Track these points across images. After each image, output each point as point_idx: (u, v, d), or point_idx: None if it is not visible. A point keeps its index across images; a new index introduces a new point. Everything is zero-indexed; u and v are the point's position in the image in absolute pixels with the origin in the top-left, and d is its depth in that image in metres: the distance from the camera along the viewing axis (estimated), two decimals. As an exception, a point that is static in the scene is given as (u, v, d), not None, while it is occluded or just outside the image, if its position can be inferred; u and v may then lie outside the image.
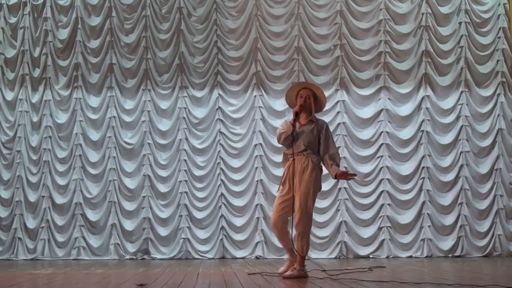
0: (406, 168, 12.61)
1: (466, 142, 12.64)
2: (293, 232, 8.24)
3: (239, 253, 12.29)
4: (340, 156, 9.08)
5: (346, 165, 12.48)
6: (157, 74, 12.82)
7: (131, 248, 12.45)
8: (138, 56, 12.84)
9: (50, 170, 12.65)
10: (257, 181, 12.52)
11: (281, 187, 8.39)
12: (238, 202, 12.49)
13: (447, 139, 12.67)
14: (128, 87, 12.82)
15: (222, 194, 12.55)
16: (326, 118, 12.51)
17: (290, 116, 8.52)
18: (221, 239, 12.35)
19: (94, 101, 12.83)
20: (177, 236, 12.46)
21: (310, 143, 8.24)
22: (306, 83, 8.82)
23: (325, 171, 8.41)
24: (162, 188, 12.60)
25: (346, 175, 8.37)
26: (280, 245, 12.17)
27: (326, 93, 12.49)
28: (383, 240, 12.38)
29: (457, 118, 12.71)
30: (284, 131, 8.21)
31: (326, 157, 8.27)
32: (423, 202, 12.49)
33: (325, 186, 12.41)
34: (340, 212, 12.45)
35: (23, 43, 12.89)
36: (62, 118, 12.80)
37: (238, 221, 12.46)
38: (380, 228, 12.43)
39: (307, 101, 8.32)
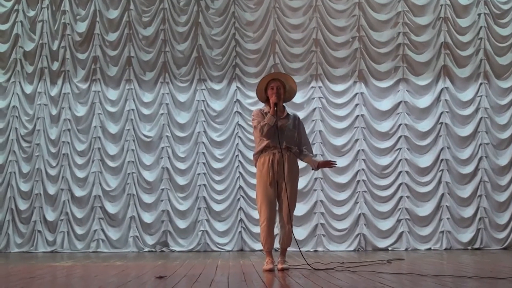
0: (425, 161, 12.56)
1: (486, 134, 12.58)
2: (284, 227, 8.29)
3: (257, 246, 12.28)
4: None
5: (364, 157, 12.48)
6: (175, 67, 12.84)
7: (150, 240, 12.48)
8: (156, 49, 12.86)
9: (69, 163, 12.70)
10: (276, 173, 12.51)
11: (263, 179, 8.21)
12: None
13: (466, 131, 12.61)
14: (146, 80, 12.85)
15: (240, 186, 12.55)
16: (345, 111, 12.59)
17: (264, 107, 8.41)
18: (240, 231, 12.36)
19: (112, 94, 12.86)
20: (196, 228, 12.48)
21: (291, 137, 8.23)
22: (274, 74, 8.69)
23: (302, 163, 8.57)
24: (181, 180, 12.62)
25: (327, 164, 8.39)
26: (299, 237, 12.22)
27: (345, 85, 12.64)
28: (402, 232, 12.34)
29: (476, 110, 12.65)
30: (266, 122, 8.09)
31: (303, 150, 8.32)
32: (442, 195, 12.44)
33: (343, 179, 12.46)
34: (358, 205, 12.43)
35: (42, 37, 12.94)
36: (81, 111, 12.84)
37: (257, 214, 12.37)
38: (399, 221, 12.40)
39: (279, 92, 8.25)
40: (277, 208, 8.32)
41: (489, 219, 12.40)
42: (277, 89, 8.20)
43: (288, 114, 8.35)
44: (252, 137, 12.31)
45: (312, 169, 8.54)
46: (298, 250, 8.92)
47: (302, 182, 12.42)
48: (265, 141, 8.18)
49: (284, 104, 8.42)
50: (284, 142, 8.15)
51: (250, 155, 12.50)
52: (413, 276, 7.15)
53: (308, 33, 12.84)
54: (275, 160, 8.14)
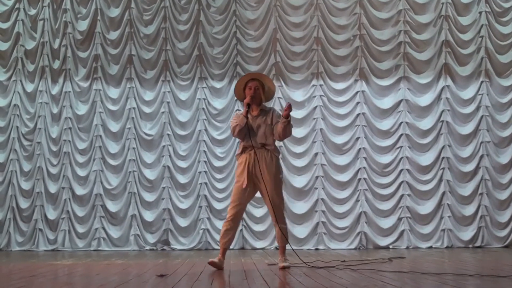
0: (426, 159, 12.56)
1: (487, 132, 12.57)
2: (276, 226, 8.30)
3: (258, 244, 12.30)
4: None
5: (365, 156, 12.50)
6: (176, 65, 12.84)
7: (151, 239, 12.49)
8: (158, 47, 12.87)
9: (70, 161, 12.71)
10: (277, 172, 12.51)
11: (238, 179, 8.26)
12: (257, 193, 12.46)
13: (467, 129, 12.60)
14: (147, 78, 12.85)
15: (241, 184, 12.55)
16: (346, 109, 12.59)
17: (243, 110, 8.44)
18: (241, 229, 12.36)
19: (113, 92, 12.87)
20: (197, 227, 12.49)
21: (267, 135, 8.22)
22: (253, 74, 8.71)
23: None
24: (182, 179, 12.63)
25: (286, 110, 8.05)
26: (300, 236, 12.24)
27: (346, 84, 12.63)
28: (403, 230, 12.34)
29: (477, 108, 12.64)
30: (237, 123, 8.12)
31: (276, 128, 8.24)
32: (443, 193, 12.44)
33: (344, 177, 12.47)
34: (359, 203, 12.43)
35: (43, 35, 12.95)
36: (82, 109, 12.85)
37: (258, 212, 12.46)
38: (400, 219, 12.40)
39: (256, 92, 8.26)
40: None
41: (490, 217, 12.40)
42: (254, 89, 8.24)
43: (262, 110, 8.36)
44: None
45: (283, 122, 8.12)
46: (291, 248, 8.90)
47: (303, 181, 12.47)
48: (242, 142, 8.25)
49: (265, 104, 8.45)
50: (259, 141, 8.16)
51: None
52: (414, 274, 7.16)
53: (309, 31, 12.84)
54: (251, 161, 8.17)
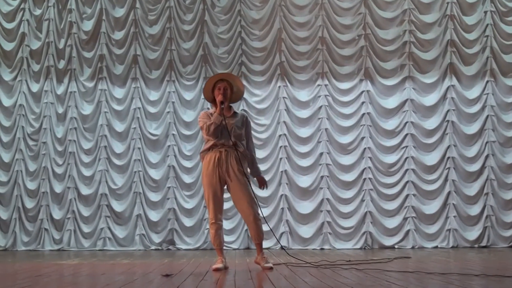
0: (431, 158, 12.55)
1: (492, 132, 12.55)
2: (250, 224, 8.30)
3: (264, 244, 12.25)
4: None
5: (370, 155, 12.49)
6: (181, 65, 12.85)
7: (156, 238, 12.49)
8: (162, 47, 12.87)
9: (76, 161, 12.72)
10: (282, 171, 12.52)
11: (208, 177, 8.19)
12: (263, 193, 12.43)
13: (472, 129, 12.59)
14: (152, 78, 12.86)
15: (246, 184, 12.54)
16: (351, 109, 12.59)
17: (211, 109, 8.45)
18: (246, 229, 12.33)
19: (118, 92, 12.88)
20: (202, 226, 12.49)
21: (238, 136, 8.22)
22: (221, 74, 8.71)
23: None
24: (187, 178, 12.63)
25: (261, 183, 8.57)
26: (305, 235, 12.25)
27: (351, 83, 12.65)
28: (408, 230, 12.34)
29: (483, 108, 12.62)
30: (213, 121, 8.07)
31: (250, 157, 8.37)
32: (449, 192, 12.43)
33: (349, 177, 12.45)
34: (365, 203, 12.42)
35: (48, 35, 12.97)
36: (87, 109, 12.86)
37: (263, 212, 12.41)
38: (405, 219, 12.39)
39: (225, 92, 8.25)
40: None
41: (495, 217, 12.38)
42: (223, 90, 8.21)
43: (235, 112, 8.40)
44: (258, 136, 12.34)
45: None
46: (280, 246, 8.89)
47: (308, 180, 12.47)
48: (212, 140, 8.19)
49: (231, 104, 8.45)
50: (232, 140, 8.15)
51: (256, 153, 12.48)
52: (420, 274, 7.16)
53: (314, 31, 12.84)
54: (221, 158, 8.15)
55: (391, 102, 12.70)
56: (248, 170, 8.37)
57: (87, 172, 12.73)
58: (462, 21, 12.74)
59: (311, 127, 12.64)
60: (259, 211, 8.30)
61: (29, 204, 12.67)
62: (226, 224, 12.40)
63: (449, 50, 12.69)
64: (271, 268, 8.06)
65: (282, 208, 12.42)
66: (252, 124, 12.23)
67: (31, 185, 12.73)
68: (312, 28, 12.84)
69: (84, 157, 12.76)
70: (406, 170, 12.50)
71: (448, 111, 12.58)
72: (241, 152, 8.20)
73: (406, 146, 12.55)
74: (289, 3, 12.86)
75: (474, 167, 12.51)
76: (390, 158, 12.57)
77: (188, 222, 12.51)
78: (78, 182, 12.69)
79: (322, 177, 12.49)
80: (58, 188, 12.68)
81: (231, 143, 8.14)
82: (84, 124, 12.82)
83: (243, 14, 12.88)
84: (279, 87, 12.72)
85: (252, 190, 8.21)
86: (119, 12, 12.96)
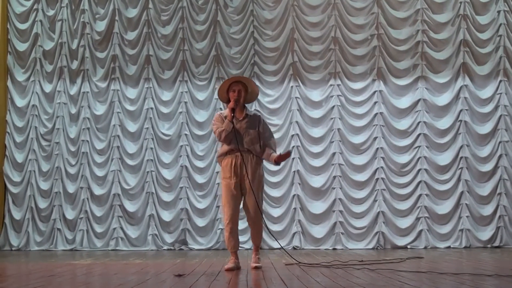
0: (444, 158, 12.52)
1: (505, 131, 12.51)
2: (253, 227, 8.44)
3: (276, 244, 12.27)
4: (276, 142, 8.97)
5: (383, 155, 12.46)
6: (194, 65, 12.86)
7: (168, 238, 12.51)
8: (175, 47, 12.89)
9: (89, 161, 12.76)
10: (294, 171, 12.51)
11: (226, 181, 8.26)
12: (275, 193, 12.49)
13: (485, 128, 12.55)
14: (165, 78, 12.88)
15: (259, 184, 12.55)
16: (363, 109, 12.56)
17: (224, 110, 8.48)
18: (258, 229, 12.34)
19: (131, 92, 12.91)
20: (215, 226, 12.49)
21: (253, 139, 8.25)
22: (236, 77, 8.72)
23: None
24: (200, 179, 12.64)
25: (283, 157, 8.34)
26: (318, 235, 12.23)
27: (364, 83, 12.63)
28: (421, 230, 12.31)
29: (496, 107, 12.59)
30: (224, 129, 8.13)
31: (265, 148, 8.35)
32: (462, 192, 12.39)
33: (362, 177, 12.44)
34: (377, 203, 12.40)
35: (61, 36, 13.01)
36: (100, 109, 12.89)
37: (275, 212, 12.45)
38: (418, 219, 12.37)
39: (240, 95, 8.28)
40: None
41: (508, 217, 12.34)
42: (238, 92, 8.26)
43: (247, 115, 8.38)
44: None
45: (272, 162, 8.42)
46: (280, 247, 8.88)
47: (320, 180, 12.47)
48: (227, 146, 8.27)
49: (246, 104, 8.48)
50: (245, 145, 8.19)
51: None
52: (432, 274, 7.15)
53: (327, 31, 12.82)
54: (237, 163, 8.21)
55: (403, 102, 12.67)
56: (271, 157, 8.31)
57: (99, 172, 12.76)
58: (475, 21, 12.71)
59: (323, 127, 12.63)
60: (263, 217, 8.41)
61: (42, 204, 12.71)
62: (239, 224, 12.40)
63: (462, 49, 12.65)
64: (256, 268, 8.21)
65: (295, 208, 12.41)
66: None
67: (44, 185, 12.77)
68: (325, 28, 12.83)
69: (97, 157, 12.79)
70: (419, 170, 12.47)
71: (461, 111, 12.54)
72: (256, 156, 8.24)
73: (419, 146, 12.52)
74: (301, 3, 12.85)
75: (487, 167, 12.47)
76: (403, 158, 12.54)
77: (200, 222, 12.51)
78: (91, 182, 12.73)
79: (334, 177, 12.48)
80: (71, 188, 12.72)
81: (245, 148, 8.19)
82: (97, 125, 12.85)
83: (255, 14, 12.88)
84: (292, 87, 12.71)
85: (262, 197, 8.39)
86: (132, 13, 12.99)
